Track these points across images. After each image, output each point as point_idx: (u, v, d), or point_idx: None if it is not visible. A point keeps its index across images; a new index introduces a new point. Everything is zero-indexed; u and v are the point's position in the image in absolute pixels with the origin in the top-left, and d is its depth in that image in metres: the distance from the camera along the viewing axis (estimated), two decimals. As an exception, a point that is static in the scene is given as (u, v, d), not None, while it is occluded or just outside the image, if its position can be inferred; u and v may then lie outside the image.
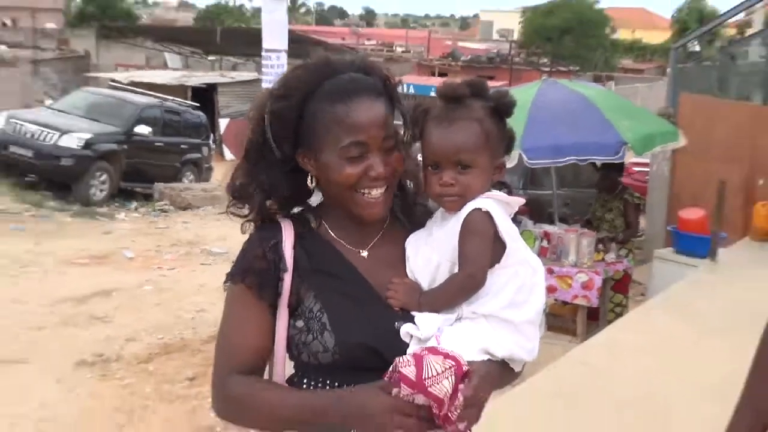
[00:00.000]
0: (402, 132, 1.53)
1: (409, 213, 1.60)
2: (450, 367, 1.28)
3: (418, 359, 1.28)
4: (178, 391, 5.37)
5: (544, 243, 7.16)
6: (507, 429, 3.56)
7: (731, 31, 23.55)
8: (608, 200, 7.84)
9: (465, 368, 1.29)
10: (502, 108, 1.49)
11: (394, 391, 1.28)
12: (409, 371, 1.26)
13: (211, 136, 16.83)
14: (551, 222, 7.67)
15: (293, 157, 1.51)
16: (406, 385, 1.26)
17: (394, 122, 1.52)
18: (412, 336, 1.39)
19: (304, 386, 1.52)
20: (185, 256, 9.72)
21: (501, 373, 1.43)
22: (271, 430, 1.47)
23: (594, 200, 8.06)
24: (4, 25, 34.70)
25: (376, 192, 1.47)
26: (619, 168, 7.89)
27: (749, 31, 20.01)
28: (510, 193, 1.53)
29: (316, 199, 1.61)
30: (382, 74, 1.54)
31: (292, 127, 1.47)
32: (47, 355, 5.90)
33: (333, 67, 1.50)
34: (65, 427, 4.80)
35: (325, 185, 1.53)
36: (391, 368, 1.32)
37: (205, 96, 20.54)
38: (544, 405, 3.97)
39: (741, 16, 18.02)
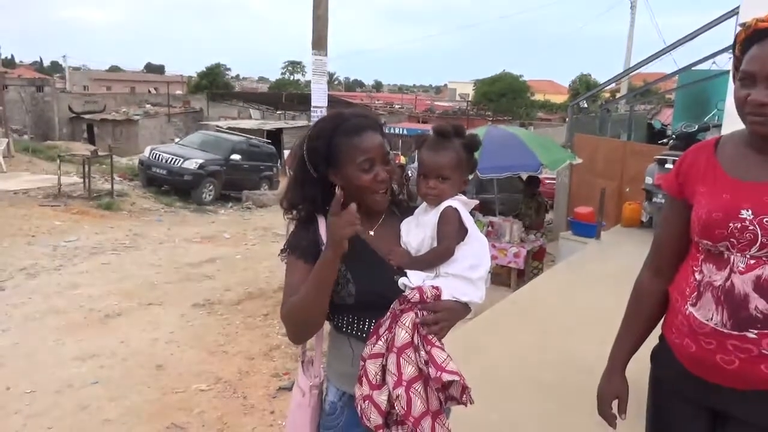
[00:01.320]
0: (389, 153, 1.49)
1: (398, 205, 1.54)
2: (436, 290, 1.32)
3: (420, 290, 1.31)
4: (257, 323, 5.34)
5: (490, 228, 7.13)
6: (468, 343, 3.55)
7: (607, 94, 23.34)
8: (529, 201, 7.78)
9: (440, 291, 1.32)
10: (472, 145, 1.44)
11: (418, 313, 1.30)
12: (415, 297, 1.30)
13: (279, 161, 16.73)
14: (494, 215, 7.63)
15: (325, 175, 1.43)
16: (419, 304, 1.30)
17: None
18: (406, 285, 1.34)
19: (334, 321, 1.46)
20: (262, 237, 9.67)
21: (462, 309, 1.38)
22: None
23: (520, 201, 8.00)
24: (150, 92, 34.72)
25: (382, 191, 1.43)
26: (536, 180, 7.84)
27: (618, 95, 19.86)
28: (466, 195, 1.48)
29: None
30: (374, 117, 1.52)
31: (324, 155, 1.41)
32: (174, 299, 5.89)
33: (343, 116, 1.46)
34: (186, 344, 4.78)
35: (348, 190, 1.43)
36: (397, 301, 1.33)
37: (275, 136, 20.41)
38: (491, 328, 3.94)
39: (613, 85, 17.87)
